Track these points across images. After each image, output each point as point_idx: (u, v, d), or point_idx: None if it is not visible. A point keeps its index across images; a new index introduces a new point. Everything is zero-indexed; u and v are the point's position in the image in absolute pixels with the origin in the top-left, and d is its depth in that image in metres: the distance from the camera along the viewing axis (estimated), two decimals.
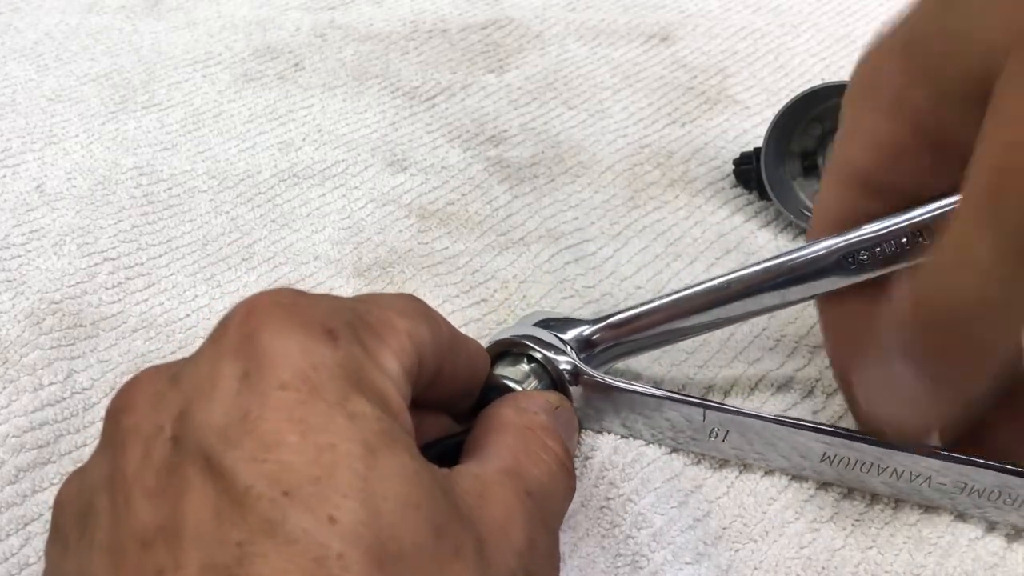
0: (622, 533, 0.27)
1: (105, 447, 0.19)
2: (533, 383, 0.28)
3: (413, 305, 0.23)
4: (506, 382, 0.27)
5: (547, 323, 0.30)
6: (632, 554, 0.26)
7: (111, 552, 0.17)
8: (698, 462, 0.29)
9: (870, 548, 0.27)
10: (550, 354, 0.28)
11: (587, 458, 0.29)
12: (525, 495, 0.21)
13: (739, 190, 0.44)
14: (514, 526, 0.20)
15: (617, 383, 0.28)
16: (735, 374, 0.33)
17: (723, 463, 0.29)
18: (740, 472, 0.29)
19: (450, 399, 0.26)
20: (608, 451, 0.29)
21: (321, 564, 0.16)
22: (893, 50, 0.24)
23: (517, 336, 0.29)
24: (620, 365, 0.32)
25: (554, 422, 0.25)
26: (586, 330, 0.30)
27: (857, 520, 0.27)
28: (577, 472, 0.29)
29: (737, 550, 0.26)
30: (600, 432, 0.30)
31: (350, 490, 0.17)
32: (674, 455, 0.29)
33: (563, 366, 0.28)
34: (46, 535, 0.27)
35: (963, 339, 0.21)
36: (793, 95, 0.40)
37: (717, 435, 0.28)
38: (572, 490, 0.24)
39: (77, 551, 0.19)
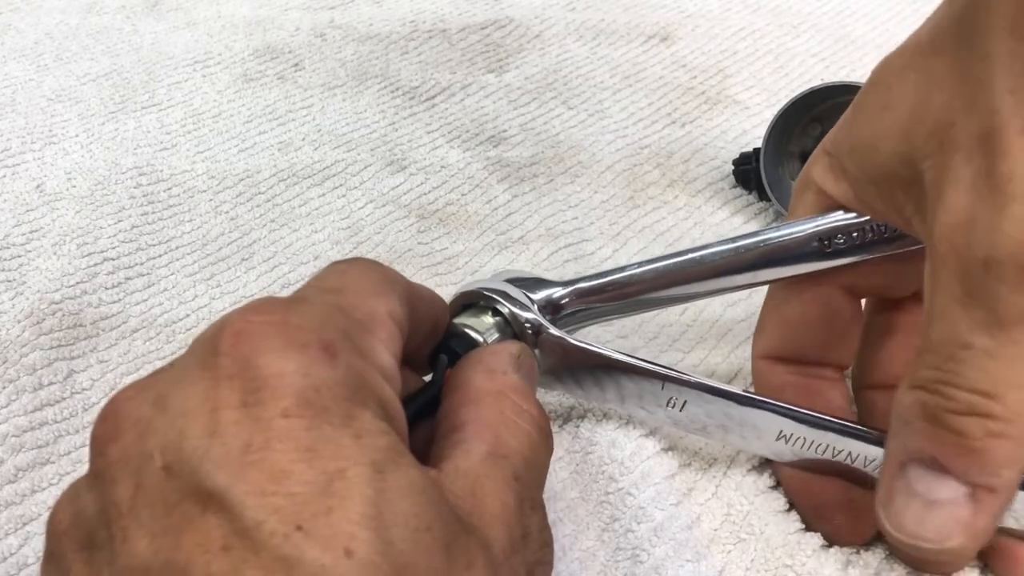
0: (622, 527, 0.27)
1: (95, 477, 0.18)
2: (495, 336, 0.28)
3: (378, 276, 0.23)
4: (467, 331, 0.27)
5: (517, 281, 0.30)
6: (632, 548, 0.26)
7: None
8: (696, 454, 0.29)
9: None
10: (515, 309, 0.28)
11: (587, 452, 0.29)
12: (513, 480, 0.22)
13: (739, 190, 0.44)
14: (510, 518, 0.21)
15: (579, 343, 0.28)
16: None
17: (713, 461, 0.29)
18: (748, 471, 0.29)
19: (411, 351, 0.26)
20: (606, 445, 0.29)
21: None
22: (820, 152, 0.27)
23: (485, 288, 0.29)
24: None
25: (522, 378, 0.25)
26: (555, 292, 0.30)
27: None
28: (575, 466, 0.29)
29: (729, 551, 0.26)
30: (553, 392, 0.30)
31: (363, 519, 0.17)
32: (671, 452, 0.29)
33: (526, 322, 0.28)
34: (45, 534, 0.27)
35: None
36: (793, 95, 0.40)
37: (675, 405, 0.27)
38: (551, 448, 0.24)
39: None
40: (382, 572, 0.16)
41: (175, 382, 0.18)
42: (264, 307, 0.19)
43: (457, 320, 0.28)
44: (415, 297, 0.24)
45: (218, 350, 0.18)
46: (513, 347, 0.26)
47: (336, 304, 0.21)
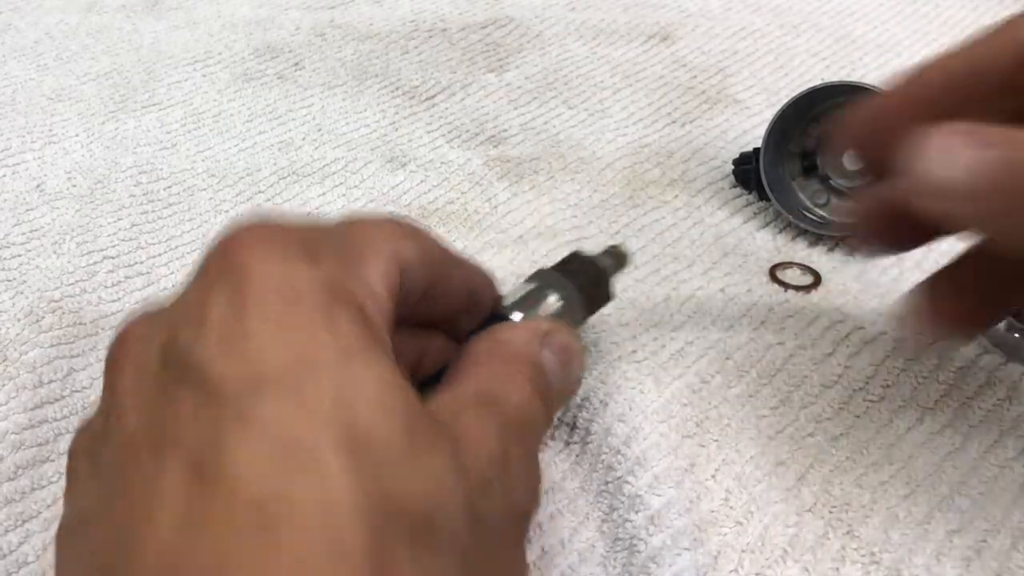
0: (620, 517, 0.27)
1: (104, 389, 0.20)
2: (542, 312, 0.28)
3: (397, 226, 0.23)
4: (505, 311, 0.27)
5: None
6: (630, 538, 0.26)
7: (110, 472, 0.18)
8: (692, 435, 0.29)
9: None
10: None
11: (585, 443, 0.29)
12: (499, 414, 0.22)
13: (738, 190, 0.44)
14: (488, 438, 0.20)
15: None
16: None
17: (712, 444, 0.29)
18: (731, 452, 0.29)
19: (445, 318, 0.26)
20: (603, 434, 0.29)
21: (291, 449, 0.17)
22: None
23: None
24: None
25: (537, 350, 0.24)
26: None
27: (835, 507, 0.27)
28: (575, 457, 0.29)
29: (725, 534, 0.26)
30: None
31: (325, 387, 0.17)
32: (669, 436, 0.29)
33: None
34: (44, 533, 0.27)
35: None
36: (793, 95, 0.40)
37: None
38: (548, 420, 0.24)
39: (86, 482, 0.19)
40: (335, 430, 0.17)
41: (179, 293, 0.20)
42: (259, 219, 0.21)
43: (507, 303, 0.28)
44: (447, 260, 0.25)
45: (212, 256, 0.20)
46: (543, 324, 0.25)
47: (335, 230, 0.22)
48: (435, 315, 0.26)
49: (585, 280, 0.29)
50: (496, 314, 0.27)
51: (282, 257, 0.19)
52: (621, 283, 0.37)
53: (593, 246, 0.39)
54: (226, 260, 0.19)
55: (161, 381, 0.18)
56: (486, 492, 0.19)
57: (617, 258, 0.31)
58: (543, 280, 0.29)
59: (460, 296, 0.26)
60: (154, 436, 0.18)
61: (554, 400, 0.24)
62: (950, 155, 0.20)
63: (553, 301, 0.28)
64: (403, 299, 0.22)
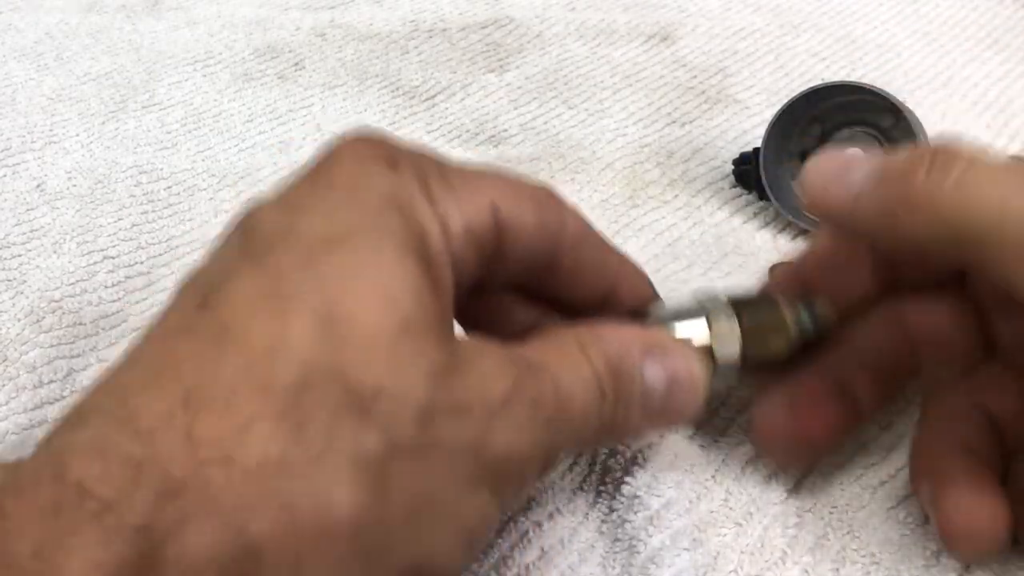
0: (619, 517, 0.27)
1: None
2: (688, 328, 0.25)
3: (530, 188, 0.24)
4: (643, 316, 0.25)
5: None
6: (629, 539, 0.26)
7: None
8: (691, 436, 0.29)
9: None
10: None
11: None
12: (529, 376, 0.20)
13: (738, 190, 0.44)
14: (498, 383, 0.20)
15: None
16: None
17: (712, 444, 0.29)
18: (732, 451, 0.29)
19: (576, 302, 0.25)
20: None
21: (273, 301, 0.19)
22: None
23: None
24: None
25: (631, 355, 0.22)
26: None
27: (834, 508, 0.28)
28: (573, 459, 0.29)
29: (724, 535, 0.26)
30: None
31: (336, 264, 0.19)
32: (670, 434, 0.29)
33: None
34: None
35: None
36: (793, 95, 0.40)
37: None
38: (600, 426, 0.22)
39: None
40: (323, 304, 0.18)
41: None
42: (367, 132, 0.22)
43: (664, 308, 0.26)
44: (584, 240, 0.25)
45: (318, 155, 0.22)
46: (664, 338, 0.24)
47: (448, 166, 0.22)
48: (562, 295, 0.25)
49: (753, 320, 0.26)
50: (635, 316, 0.25)
51: (363, 158, 0.21)
52: None
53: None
54: (322, 157, 0.22)
55: (235, 225, 0.21)
56: (459, 416, 0.19)
57: (815, 317, 0.27)
58: (706, 302, 0.26)
59: (594, 285, 0.25)
60: (212, 285, 0.20)
61: (631, 416, 0.23)
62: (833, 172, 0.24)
63: (700, 325, 0.25)
64: (497, 253, 0.23)
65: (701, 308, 0.26)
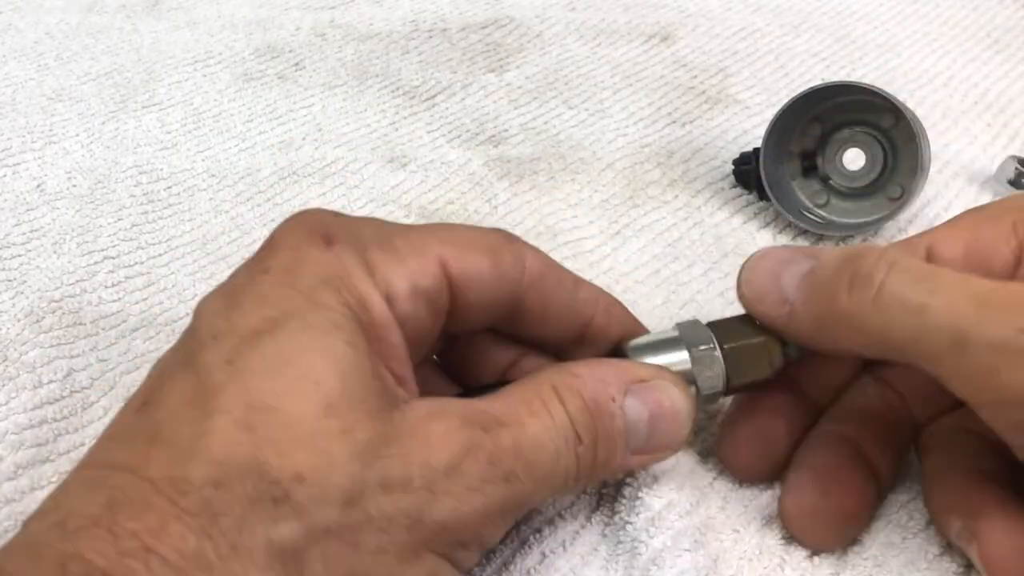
0: (621, 520, 0.26)
1: None
2: (666, 360, 0.25)
3: (483, 238, 0.24)
4: (625, 350, 0.25)
5: None
6: (631, 540, 0.26)
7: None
8: (689, 446, 0.29)
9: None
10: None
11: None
12: (481, 432, 0.20)
13: (739, 190, 0.44)
14: (445, 448, 0.20)
15: None
16: None
17: (712, 452, 0.29)
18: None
19: (551, 339, 0.26)
20: None
21: (201, 397, 0.20)
22: None
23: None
24: None
25: (609, 393, 0.22)
26: None
27: None
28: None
29: (722, 540, 0.26)
30: None
31: (261, 354, 0.20)
32: None
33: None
34: None
35: None
36: (793, 95, 0.40)
37: None
38: (580, 469, 0.22)
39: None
40: (244, 394, 0.19)
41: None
42: (310, 211, 0.23)
43: (644, 341, 0.25)
44: (547, 280, 0.24)
45: (270, 236, 0.23)
46: (643, 372, 0.23)
47: (385, 227, 0.23)
48: (534, 333, 0.25)
49: (735, 347, 0.26)
50: (615, 351, 0.25)
51: (300, 239, 0.22)
52: (620, 284, 0.37)
53: (593, 245, 0.39)
54: (265, 241, 0.23)
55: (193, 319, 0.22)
56: (392, 490, 0.19)
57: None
58: (688, 331, 0.26)
59: (567, 321, 0.25)
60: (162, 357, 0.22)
61: (614, 454, 0.23)
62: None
63: (681, 355, 0.25)
64: (456, 304, 0.23)
65: (682, 338, 0.26)
